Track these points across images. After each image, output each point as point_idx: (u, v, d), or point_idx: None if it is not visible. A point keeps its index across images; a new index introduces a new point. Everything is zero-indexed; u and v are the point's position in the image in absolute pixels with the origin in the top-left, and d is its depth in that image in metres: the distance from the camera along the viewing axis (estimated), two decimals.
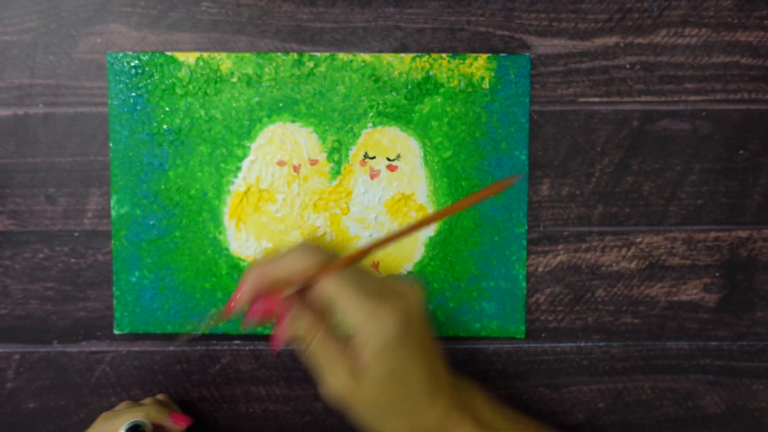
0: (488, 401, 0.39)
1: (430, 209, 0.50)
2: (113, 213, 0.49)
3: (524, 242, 0.50)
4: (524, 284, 0.50)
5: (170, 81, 0.49)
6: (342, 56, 0.49)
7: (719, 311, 0.51)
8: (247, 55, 0.49)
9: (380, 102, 0.49)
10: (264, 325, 0.49)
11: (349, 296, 0.34)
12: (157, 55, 0.49)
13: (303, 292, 0.36)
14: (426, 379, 0.36)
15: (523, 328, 0.50)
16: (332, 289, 0.35)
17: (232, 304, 0.36)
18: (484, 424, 0.37)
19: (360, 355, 0.35)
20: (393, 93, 0.49)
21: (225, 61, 0.49)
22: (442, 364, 0.37)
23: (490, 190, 0.33)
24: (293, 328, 0.36)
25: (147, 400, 0.48)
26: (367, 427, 0.37)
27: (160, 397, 0.49)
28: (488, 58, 0.49)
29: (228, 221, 0.50)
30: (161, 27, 0.49)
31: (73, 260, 0.50)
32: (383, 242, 0.36)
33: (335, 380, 0.35)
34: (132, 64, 0.49)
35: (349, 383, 0.35)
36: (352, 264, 0.36)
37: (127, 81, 0.49)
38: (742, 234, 0.51)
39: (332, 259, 0.36)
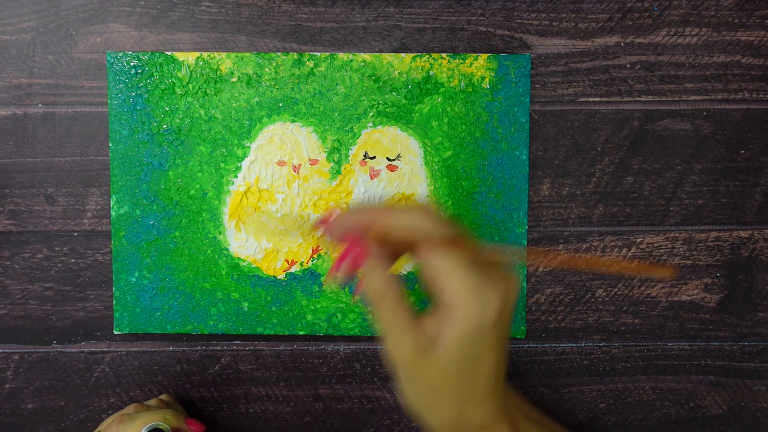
0: (522, 407, 0.38)
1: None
2: (113, 213, 0.49)
3: (524, 242, 0.50)
4: (524, 284, 0.50)
5: (170, 81, 0.49)
6: (342, 56, 0.49)
7: (720, 311, 0.51)
8: (247, 54, 0.49)
9: (380, 102, 0.49)
10: (345, 281, 0.46)
11: (456, 269, 0.33)
12: (157, 54, 0.48)
13: (389, 249, 0.35)
14: (491, 376, 0.34)
15: (523, 328, 0.50)
16: (440, 260, 0.34)
17: (325, 221, 0.35)
18: None
19: (441, 331, 0.33)
20: (393, 93, 0.49)
21: (225, 61, 0.48)
22: (505, 365, 0.36)
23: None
24: (367, 281, 0.35)
25: (152, 401, 0.48)
26: (410, 403, 0.35)
27: (164, 397, 0.49)
28: (488, 57, 0.49)
29: (228, 221, 0.49)
30: (161, 26, 0.49)
31: (72, 260, 0.50)
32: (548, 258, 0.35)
33: (398, 350, 0.34)
34: (131, 63, 0.48)
35: (412, 356, 0.33)
36: (472, 253, 0.34)
37: (127, 81, 0.49)
38: (743, 234, 0.50)
39: (452, 236, 0.34)
